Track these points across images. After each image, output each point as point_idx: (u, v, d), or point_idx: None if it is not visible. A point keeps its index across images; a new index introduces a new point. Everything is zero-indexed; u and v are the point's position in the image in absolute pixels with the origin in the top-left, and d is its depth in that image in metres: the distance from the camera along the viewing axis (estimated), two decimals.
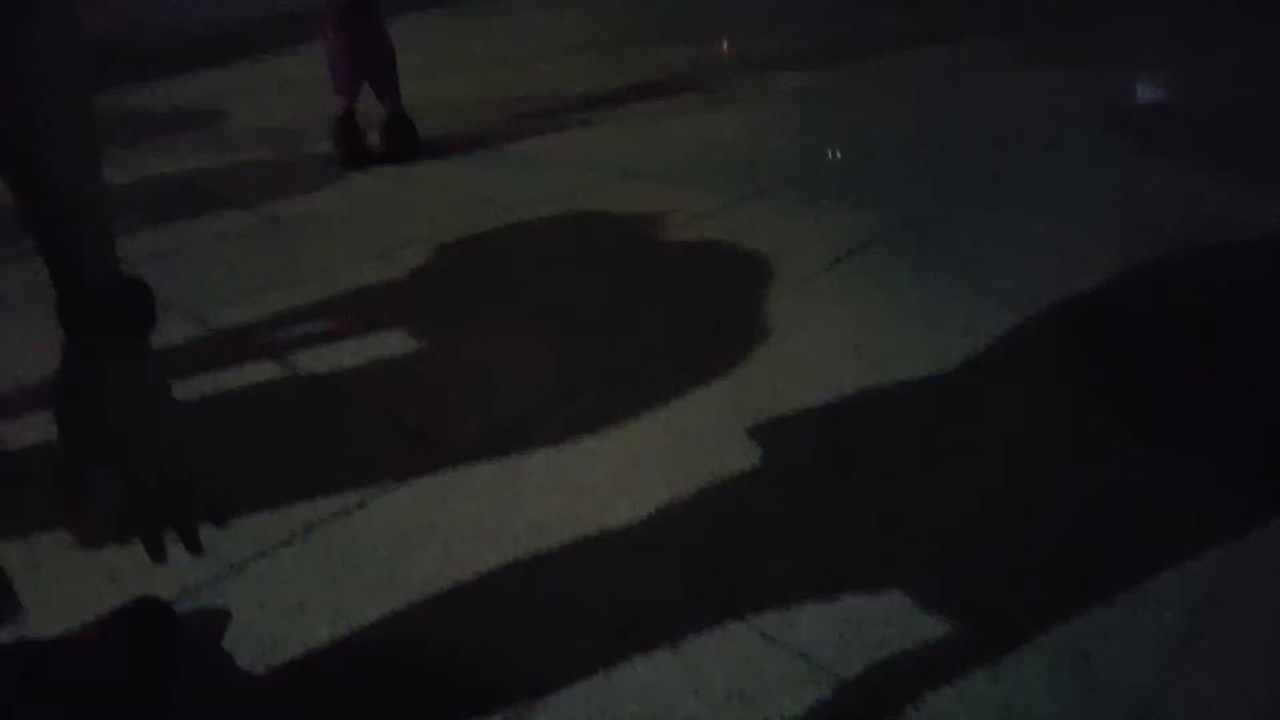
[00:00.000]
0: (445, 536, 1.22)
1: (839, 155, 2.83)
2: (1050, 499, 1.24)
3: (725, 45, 5.08)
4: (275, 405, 1.60)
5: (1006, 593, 1.08)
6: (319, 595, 1.13)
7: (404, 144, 3.05)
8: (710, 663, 1.00)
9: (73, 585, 1.16)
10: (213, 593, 1.14)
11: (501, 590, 1.13)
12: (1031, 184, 2.48)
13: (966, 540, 1.17)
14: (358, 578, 1.16)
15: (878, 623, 1.04)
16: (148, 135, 3.62)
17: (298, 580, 1.16)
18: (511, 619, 1.09)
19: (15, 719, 0.69)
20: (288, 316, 1.93)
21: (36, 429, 1.52)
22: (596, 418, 1.48)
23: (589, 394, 1.56)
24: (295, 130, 3.52)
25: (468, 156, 3.09)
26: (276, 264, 2.22)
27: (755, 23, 5.92)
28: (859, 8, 6.41)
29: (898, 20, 5.70)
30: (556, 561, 1.17)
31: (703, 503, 1.27)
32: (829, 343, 1.68)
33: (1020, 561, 1.13)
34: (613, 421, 1.47)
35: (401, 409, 1.55)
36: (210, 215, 2.61)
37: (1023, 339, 1.67)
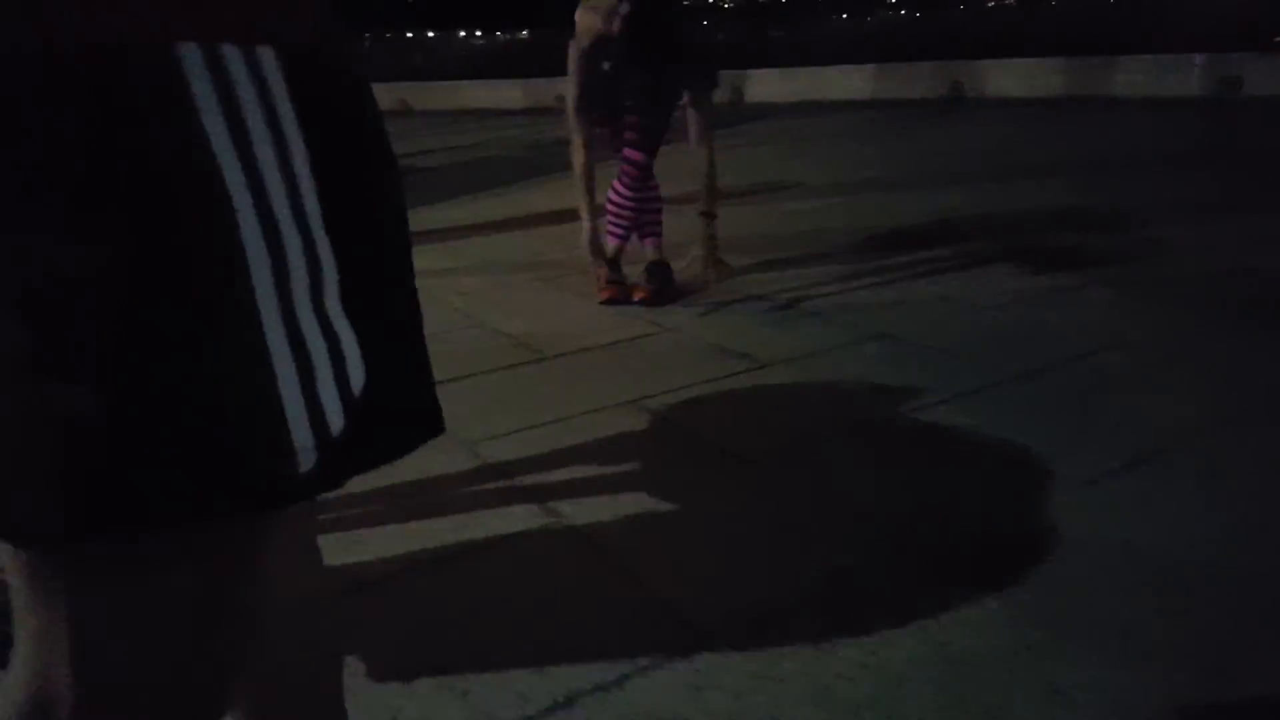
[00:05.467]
0: None
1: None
2: None
3: (1003, 198, 4.98)
4: (535, 556, 1.67)
5: None
6: None
7: (663, 288, 3.20)
8: None
9: None
10: None
11: None
12: None
13: None
14: None
15: None
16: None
17: None
18: None
19: None
20: (551, 460, 2.04)
21: None
22: (855, 621, 1.42)
23: (844, 593, 1.51)
24: (555, 262, 3.81)
25: (722, 304, 3.19)
26: (542, 400, 2.37)
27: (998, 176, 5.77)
28: None
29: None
30: None
31: None
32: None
33: None
34: (871, 630, 1.40)
35: (657, 581, 1.57)
36: (481, 342, 2.85)
37: None
